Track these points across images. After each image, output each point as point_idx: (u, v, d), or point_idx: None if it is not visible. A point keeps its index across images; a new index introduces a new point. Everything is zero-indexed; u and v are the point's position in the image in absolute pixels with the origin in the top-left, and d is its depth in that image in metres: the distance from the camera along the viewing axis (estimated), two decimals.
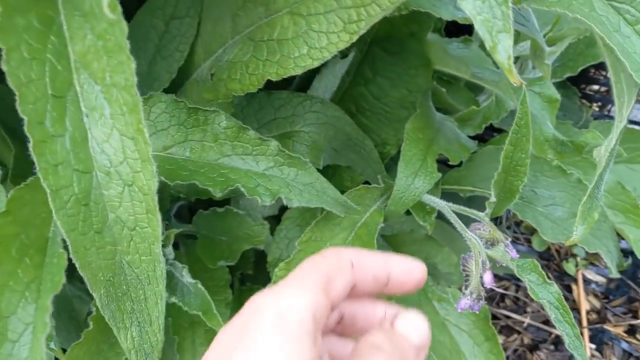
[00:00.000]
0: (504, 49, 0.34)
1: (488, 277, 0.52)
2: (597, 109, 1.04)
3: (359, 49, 0.70)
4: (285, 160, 0.53)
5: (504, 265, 0.56)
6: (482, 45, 0.73)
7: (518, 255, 0.55)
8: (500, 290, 1.22)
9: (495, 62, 0.75)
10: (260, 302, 0.28)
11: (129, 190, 0.45)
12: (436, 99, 0.80)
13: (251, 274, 0.80)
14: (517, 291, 1.23)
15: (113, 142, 0.43)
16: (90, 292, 0.47)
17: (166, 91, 0.62)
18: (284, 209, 0.76)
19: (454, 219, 0.57)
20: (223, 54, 0.57)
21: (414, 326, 0.31)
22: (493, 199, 0.52)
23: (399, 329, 0.31)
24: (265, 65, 0.51)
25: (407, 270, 0.34)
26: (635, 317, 1.17)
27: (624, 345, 1.16)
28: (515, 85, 0.63)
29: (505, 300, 1.23)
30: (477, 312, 0.56)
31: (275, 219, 0.75)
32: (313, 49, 0.50)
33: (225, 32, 0.58)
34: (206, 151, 0.51)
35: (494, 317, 1.21)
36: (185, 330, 0.69)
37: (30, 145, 0.38)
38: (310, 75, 0.70)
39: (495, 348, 0.80)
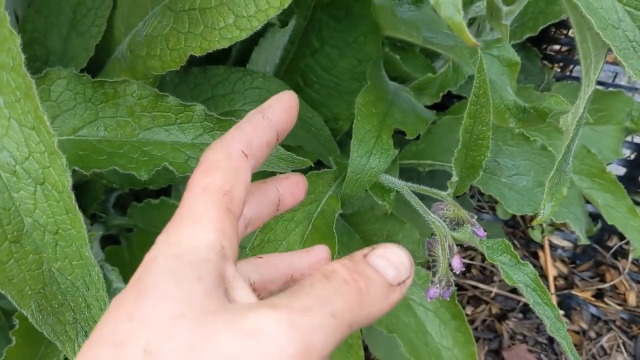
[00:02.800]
0: (451, 3, 0.29)
1: (457, 263, 0.48)
2: (559, 69, 1.00)
3: (301, 15, 0.64)
4: (215, 125, 0.47)
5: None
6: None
7: (485, 234, 0.50)
8: (467, 261, 1.19)
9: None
10: (154, 252, 0.26)
11: (42, 189, 0.39)
12: (390, 68, 0.74)
13: None
14: (483, 261, 1.20)
15: (13, 135, 0.37)
16: (19, 309, 0.41)
17: (85, 71, 0.55)
18: None
19: (414, 201, 0.52)
20: (143, 28, 0.50)
21: (390, 259, 0.27)
22: (455, 177, 0.47)
23: (371, 260, 0.27)
24: (188, 38, 0.45)
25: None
26: (602, 281, 1.16)
27: (592, 310, 1.15)
28: (469, 46, 0.57)
29: (471, 270, 1.20)
30: (448, 299, 0.52)
31: None
32: (240, 18, 0.43)
33: (145, 2, 0.51)
34: (122, 127, 0.44)
35: (461, 287, 1.18)
36: None
37: None
38: (249, 48, 0.63)
39: (462, 326, 0.77)
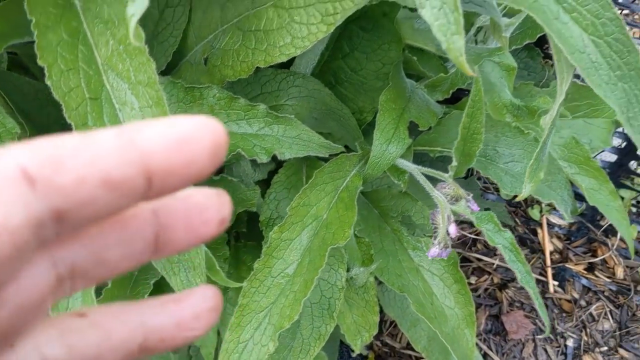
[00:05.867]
0: (456, 49, 0.42)
1: (452, 229, 0.61)
2: None
3: (336, 26, 0.77)
4: (273, 120, 0.61)
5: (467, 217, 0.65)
6: None
7: (478, 208, 0.64)
8: (472, 236, 1.33)
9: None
10: None
11: None
12: (408, 67, 0.87)
13: (245, 232, 0.88)
14: None
15: None
16: None
17: (163, 72, 0.69)
18: (272, 173, 0.84)
19: (422, 180, 0.65)
20: (214, 40, 0.64)
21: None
22: (454, 163, 0.61)
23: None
24: (255, 53, 0.58)
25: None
26: (594, 256, 1.29)
27: (584, 282, 1.28)
28: (472, 55, 0.71)
29: (477, 244, 1.34)
30: (446, 258, 0.65)
31: (265, 183, 0.84)
32: (296, 39, 0.57)
33: (215, 20, 0.64)
34: None
35: (467, 260, 1.32)
36: None
37: None
38: None
39: (463, 289, 0.91)
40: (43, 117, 0.65)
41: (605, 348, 1.22)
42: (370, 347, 1.25)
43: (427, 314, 0.89)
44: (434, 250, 0.63)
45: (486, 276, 1.30)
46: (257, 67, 0.74)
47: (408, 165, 0.70)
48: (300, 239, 0.65)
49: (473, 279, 1.30)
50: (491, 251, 1.32)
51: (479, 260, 1.31)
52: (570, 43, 0.53)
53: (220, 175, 0.74)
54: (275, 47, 0.57)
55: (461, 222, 1.36)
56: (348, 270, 0.86)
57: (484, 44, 0.86)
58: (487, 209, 1.20)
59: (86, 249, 0.19)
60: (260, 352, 0.64)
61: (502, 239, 0.60)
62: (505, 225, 1.35)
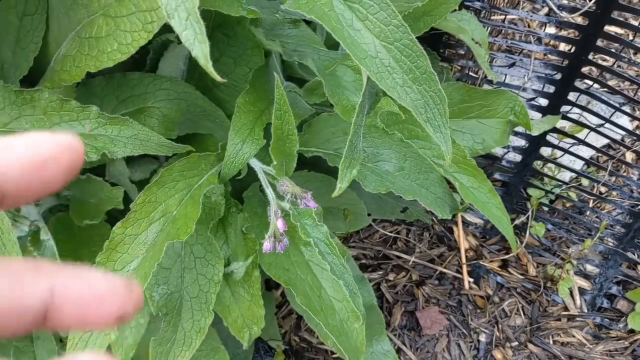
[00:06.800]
0: (202, 56, 0.46)
1: (280, 223, 0.65)
2: (458, 69, 1.16)
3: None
4: (107, 121, 0.65)
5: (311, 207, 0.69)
6: (314, 27, 0.84)
7: (315, 205, 0.68)
8: (393, 235, 1.37)
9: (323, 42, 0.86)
10: None
11: None
12: (291, 71, 0.91)
13: None
14: (407, 235, 1.37)
15: None
16: None
17: (26, 77, 0.73)
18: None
19: (262, 178, 0.69)
20: (64, 47, 0.68)
21: None
22: (274, 162, 0.65)
23: None
24: (87, 58, 0.62)
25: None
26: (507, 253, 1.33)
27: (498, 278, 1.31)
28: (328, 58, 0.74)
29: (397, 242, 1.37)
30: (282, 251, 0.69)
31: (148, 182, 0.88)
32: (121, 45, 0.61)
33: (66, 29, 0.68)
34: (39, 122, 0.62)
35: (387, 257, 1.35)
36: None
37: None
38: (159, 58, 0.81)
39: (351, 284, 0.94)
40: None
41: (516, 343, 1.25)
42: (288, 342, 1.29)
43: (312, 307, 0.93)
44: (267, 244, 0.66)
45: (404, 273, 1.34)
46: (107, 71, 0.78)
47: (255, 163, 0.73)
48: (146, 234, 0.69)
49: (392, 276, 1.34)
50: (411, 249, 1.36)
51: (399, 257, 1.35)
52: (362, 49, 0.56)
53: (86, 174, 0.78)
54: (104, 52, 0.61)
55: (382, 221, 1.40)
56: (229, 265, 0.90)
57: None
58: (405, 208, 1.24)
59: None
60: (104, 339, 0.68)
61: (318, 233, 0.64)
62: (423, 223, 1.38)
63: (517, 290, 1.30)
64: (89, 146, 0.63)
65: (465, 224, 1.34)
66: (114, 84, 0.80)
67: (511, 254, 1.30)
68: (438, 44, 1.10)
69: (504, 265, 1.32)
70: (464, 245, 1.32)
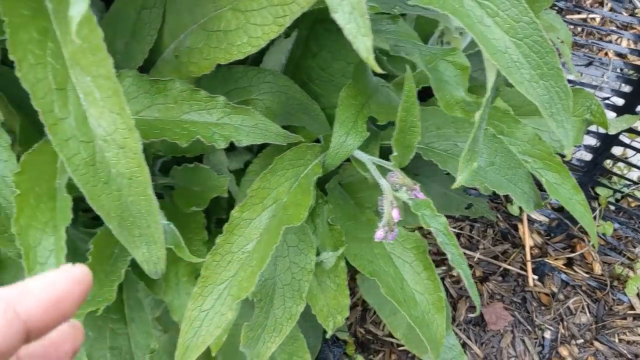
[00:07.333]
0: (365, 49, 0.48)
1: (395, 213, 0.67)
2: None
3: (305, 28, 0.83)
4: (232, 110, 0.67)
5: (411, 203, 0.71)
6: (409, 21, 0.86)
7: (424, 196, 0.70)
8: (456, 230, 1.38)
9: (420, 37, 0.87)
10: None
11: (123, 152, 0.58)
12: (380, 66, 0.93)
13: (224, 219, 0.95)
14: (471, 231, 1.38)
15: (106, 117, 0.56)
16: (107, 224, 0.60)
17: (140, 68, 0.76)
18: (248, 163, 0.90)
19: (372, 169, 0.71)
20: (184, 40, 0.70)
21: None
22: (395, 153, 0.67)
23: None
24: (216, 51, 0.65)
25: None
26: (572, 251, 1.33)
27: (563, 276, 1.32)
28: (427, 54, 0.76)
29: (460, 238, 1.38)
30: (392, 241, 0.71)
31: (242, 172, 0.90)
32: (251, 38, 0.63)
33: (186, 21, 0.71)
34: (169, 111, 0.65)
35: None
36: (170, 265, 0.85)
37: (46, 129, 0.52)
38: (263, 51, 0.83)
39: (432, 276, 0.96)
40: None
41: (582, 340, 1.26)
42: (354, 334, 1.31)
43: (396, 298, 0.95)
44: (380, 233, 0.68)
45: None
46: (231, 64, 0.81)
47: (362, 155, 0.75)
48: (260, 219, 0.72)
49: (455, 272, 1.35)
50: (474, 245, 1.37)
51: (462, 253, 1.36)
52: (492, 44, 0.58)
53: (194, 163, 0.81)
54: (233, 45, 0.64)
55: (446, 217, 1.41)
56: (318, 254, 0.92)
57: (449, 44, 0.92)
58: (470, 205, 1.25)
59: None
60: (221, 320, 0.70)
61: (437, 223, 0.66)
62: (487, 220, 1.39)
63: (582, 288, 1.31)
64: (217, 134, 0.65)
65: (530, 221, 1.35)
66: (220, 77, 0.82)
67: (577, 252, 1.31)
68: None
69: (569, 263, 1.33)
70: (528, 242, 1.33)
